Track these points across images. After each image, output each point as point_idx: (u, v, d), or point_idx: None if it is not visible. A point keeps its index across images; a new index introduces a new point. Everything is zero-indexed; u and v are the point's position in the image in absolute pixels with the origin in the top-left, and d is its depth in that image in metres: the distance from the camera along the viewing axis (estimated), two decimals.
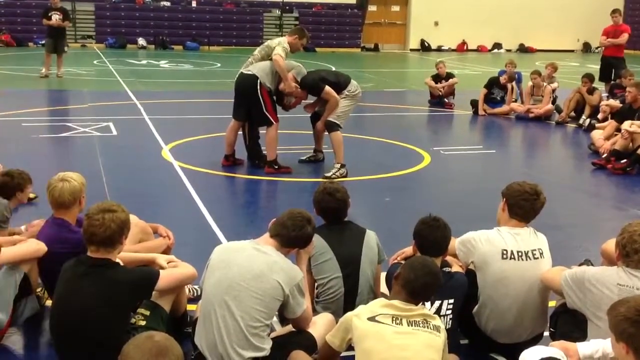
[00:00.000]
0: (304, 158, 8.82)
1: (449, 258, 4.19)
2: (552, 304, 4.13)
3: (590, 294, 3.52)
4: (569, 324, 3.71)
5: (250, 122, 8.42)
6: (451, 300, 3.74)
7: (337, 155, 8.12)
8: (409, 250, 4.12)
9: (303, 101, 8.55)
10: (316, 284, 4.19)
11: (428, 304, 3.62)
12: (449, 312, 3.74)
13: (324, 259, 4.12)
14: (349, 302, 4.05)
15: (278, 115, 8.21)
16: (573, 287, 3.61)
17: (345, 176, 8.00)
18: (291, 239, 3.68)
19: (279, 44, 8.11)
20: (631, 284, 3.42)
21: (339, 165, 8.09)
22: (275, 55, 7.92)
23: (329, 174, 7.98)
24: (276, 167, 8.18)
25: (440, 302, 3.70)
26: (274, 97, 8.24)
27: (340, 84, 8.11)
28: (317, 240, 4.10)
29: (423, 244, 3.84)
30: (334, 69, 19.02)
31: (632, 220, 3.67)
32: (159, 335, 2.27)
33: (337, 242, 4.15)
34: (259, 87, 7.94)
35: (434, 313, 3.49)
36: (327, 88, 8.00)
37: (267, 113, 8.02)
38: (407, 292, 3.26)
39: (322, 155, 8.83)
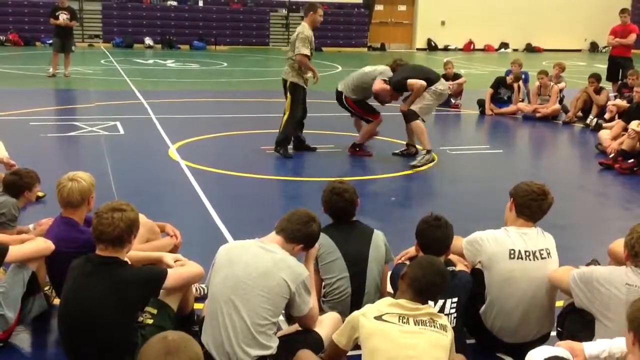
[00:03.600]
0: (397, 152, 9.34)
1: (454, 257, 4.19)
2: (559, 304, 4.13)
3: (598, 294, 3.51)
4: (577, 324, 3.71)
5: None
6: (455, 299, 3.73)
7: (422, 142, 8.79)
8: (412, 250, 4.12)
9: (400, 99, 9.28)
10: (323, 284, 4.19)
11: (431, 302, 3.61)
12: (453, 310, 3.72)
13: (332, 258, 4.12)
14: (356, 301, 4.04)
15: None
16: (581, 287, 3.61)
17: (432, 161, 8.63)
18: (295, 232, 3.68)
19: (298, 39, 8.76)
20: None
21: (425, 151, 8.69)
22: (297, 56, 8.73)
23: (414, 162, 8.62)
24: (357, 149, 9.18)
25: (443, 300, 3.69)
26: (365, 101, 9.12)
27: (430, 80, 8.70)
28: (325, 240, 4.11)
29: (425, 243, 3.84)
30: (340, 68, 19.01)
31: None
32: (175, 335, 2.27)
33: (344, 241, 4.16)
34: (344, 99, 9.00)
35: (438, 312, 3.48)
36: (410, 80, 8.63)
37: (362, 116, 9.16)
38: (414, 291, 3.26)
39: (414, 149, 9.22)
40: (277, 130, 9.06)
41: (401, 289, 3.34)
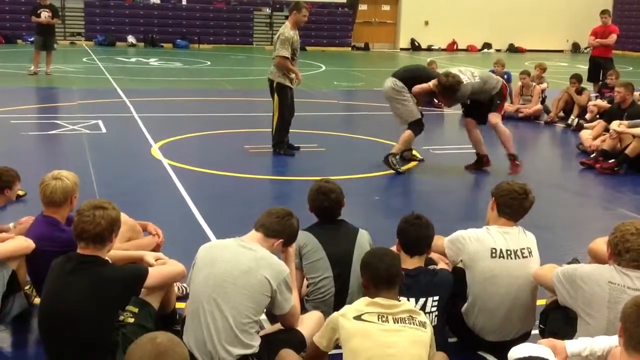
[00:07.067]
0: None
1: (435, 256, 4.21)
2: (541, 302, 4.16)
3: (581, 291, 3.53)
4: (559, 321, 3.73)
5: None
6: (436, 298, 3.74)
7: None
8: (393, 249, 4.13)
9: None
10: (307, 283, 4.19)
11: (413, 300, 3.62)
12: (434, 309, 3.73)
13: (316, 257, 4.12)
14: (340, 301, 4.02)
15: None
16: (565, 284, 3.63)
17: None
18: (275, 226, 3.68)
19: (279, 40, 8.74)
20: (622, 283, 3.44)
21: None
22: (276, 58, 8.74)
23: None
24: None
25: (425, 299, 3.70)
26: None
27: None
28: (310, 239, 4.12)
29: (406, 242, 3.84)
30: (323, 67, 19.00)
31: (624, 220, 3.69)
32: (163, 337, 2.26)
33: (329, 240, 4.15)
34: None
35: (419, 311, 3.50)
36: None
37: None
38: (375, 281, 3.31)
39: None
40: (261, 129, 9.06)
41: (365, 287, 3.41)
